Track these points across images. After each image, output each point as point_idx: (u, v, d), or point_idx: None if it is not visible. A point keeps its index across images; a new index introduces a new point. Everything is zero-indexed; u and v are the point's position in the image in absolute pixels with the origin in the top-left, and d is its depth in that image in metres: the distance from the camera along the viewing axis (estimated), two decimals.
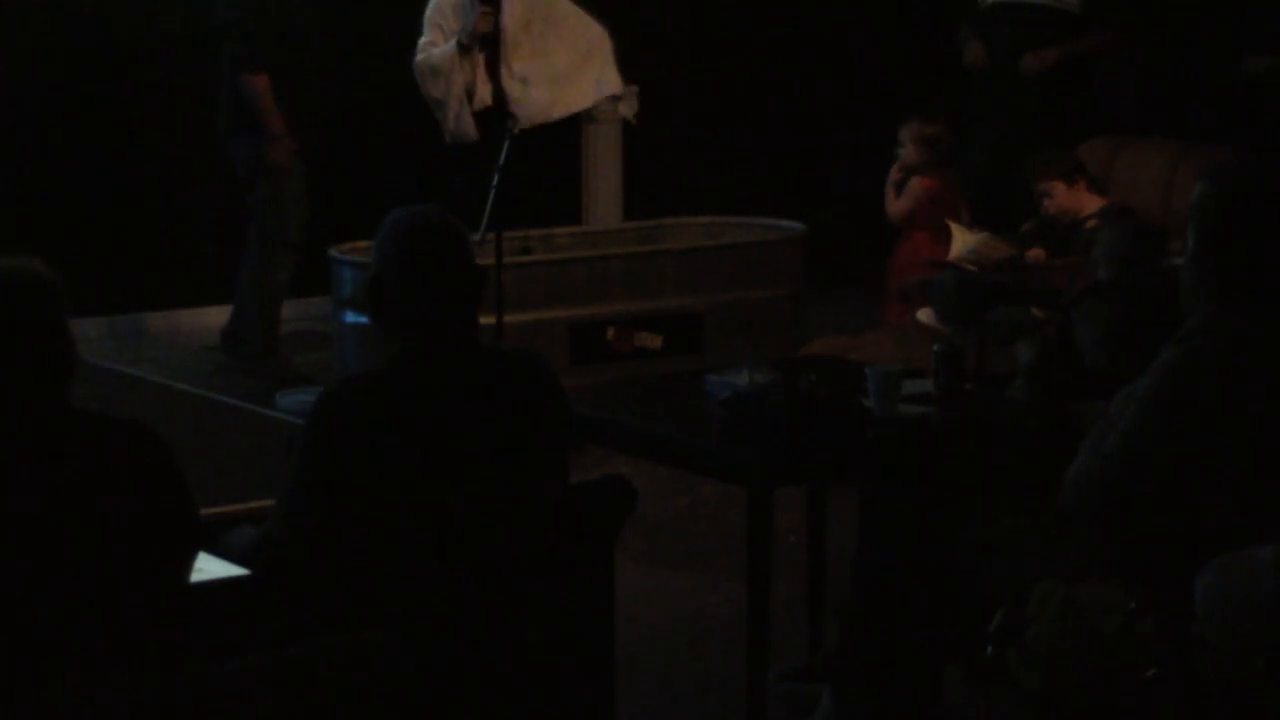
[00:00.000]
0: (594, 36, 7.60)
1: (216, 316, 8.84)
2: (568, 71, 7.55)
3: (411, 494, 3.15)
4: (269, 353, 7.63)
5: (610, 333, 7.01)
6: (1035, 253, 6.50)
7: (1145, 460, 3.51)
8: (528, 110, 7.44)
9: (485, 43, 7.40)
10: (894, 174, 7.18)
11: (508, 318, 6.60)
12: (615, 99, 7.65)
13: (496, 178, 6.73)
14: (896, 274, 7.08)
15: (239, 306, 7.76)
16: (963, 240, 6.80)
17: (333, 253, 7.03)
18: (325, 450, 3.16)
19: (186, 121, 8.25)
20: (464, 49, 7.38)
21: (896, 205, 7.14)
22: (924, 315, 6.45)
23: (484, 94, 7.41)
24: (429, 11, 7.51)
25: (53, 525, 2.65)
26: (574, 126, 8.65)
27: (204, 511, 3.00)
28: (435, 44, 7.46)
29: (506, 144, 6.76)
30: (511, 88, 7.39)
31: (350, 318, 6.91)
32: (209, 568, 3.06)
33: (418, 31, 7.53)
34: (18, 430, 2.68)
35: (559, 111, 7.52)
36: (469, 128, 7.39)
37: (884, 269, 7.22)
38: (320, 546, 3.16)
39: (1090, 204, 6.58)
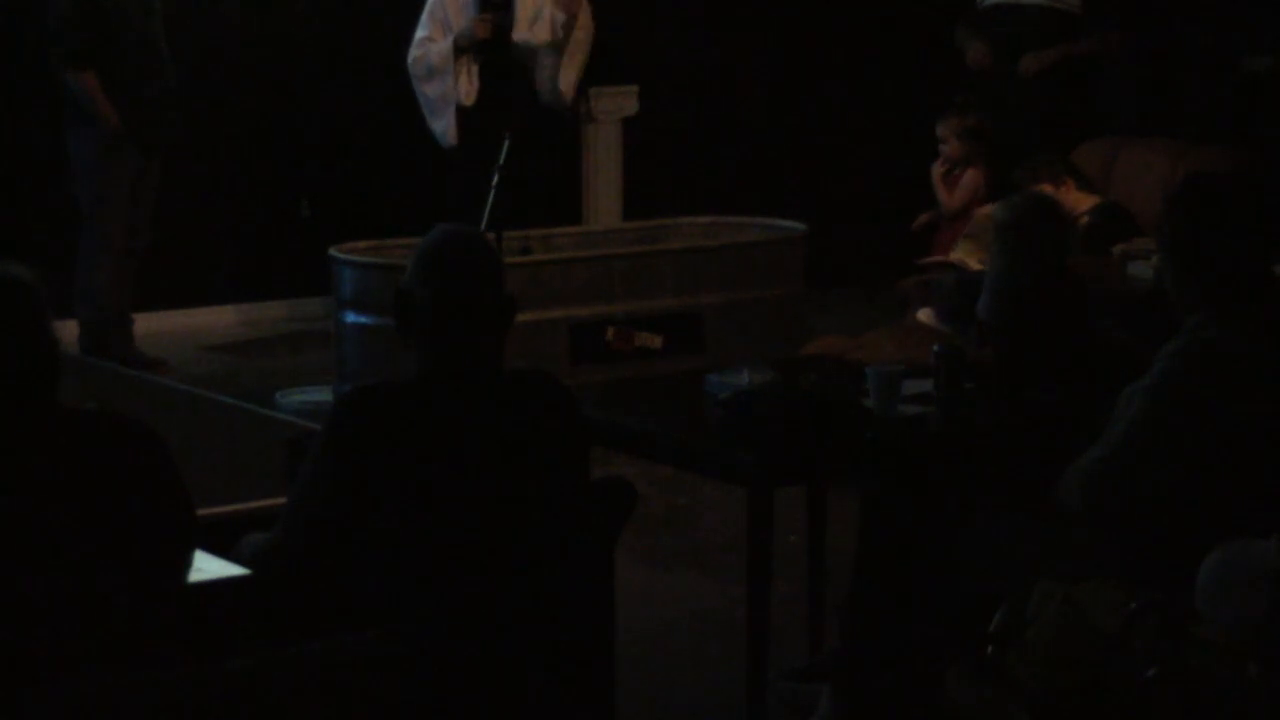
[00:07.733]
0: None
1: (216, 316, 8.86)
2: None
3: (421, 506, 3.15)
4: (114, 349, 7.46)
5: (610, 333, 7.01)
6: None
7: (1151, 449, 3.55)
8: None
9: (481, 49, 7.38)
10: (938, 168, 7.23)
11: None
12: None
13: (496, 178, 6.72)
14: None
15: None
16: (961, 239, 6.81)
17: (333, 252, 7.03)
18: (341, 457, 3.15)
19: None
20: (460, 51, 7.37)
21: (954, 198, 7.21)
22: (924, 315, 6.45)
23: (468, 95, 7.40)
24: (430, 4, 7.49)
25: (48, 524, 2.64)
26: (574, 126, 8.65)
27: (204, 511, 2.99)
28: (434, 39, 7.44)
29: (506, 144, 6.75)
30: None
31: (350, 318, 6.90)
32: (209, 568, 3.05)
33: (415, 30, 7.53)
34: (10, 431, 2.68)
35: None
36: (452, 131, 7.39)
37: (911, 260, 7.17)
38: (328, 551, 3.16)
39: (1081, 203, 6.59)
